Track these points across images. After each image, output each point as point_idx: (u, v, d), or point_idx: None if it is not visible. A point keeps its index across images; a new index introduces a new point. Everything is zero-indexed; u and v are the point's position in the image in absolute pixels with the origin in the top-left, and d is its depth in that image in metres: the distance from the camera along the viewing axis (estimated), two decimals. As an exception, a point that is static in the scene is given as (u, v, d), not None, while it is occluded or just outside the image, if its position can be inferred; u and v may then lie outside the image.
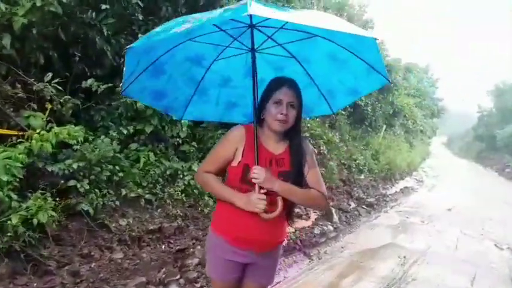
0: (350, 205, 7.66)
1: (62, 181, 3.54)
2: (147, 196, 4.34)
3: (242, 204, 1.77)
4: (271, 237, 1.90)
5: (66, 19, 4.08)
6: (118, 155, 4.25)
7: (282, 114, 1.79)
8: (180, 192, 4.70)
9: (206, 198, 4.90)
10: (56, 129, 3.44)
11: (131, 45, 1.68)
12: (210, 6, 5.12)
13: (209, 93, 2.20)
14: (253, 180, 1.73)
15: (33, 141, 3.28)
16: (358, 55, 1.84)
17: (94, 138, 4.04)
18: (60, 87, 3.85)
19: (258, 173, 1.73)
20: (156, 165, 4.64)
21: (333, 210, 6.54)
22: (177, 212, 4.46)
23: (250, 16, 1.58)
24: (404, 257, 5.08)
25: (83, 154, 3.75)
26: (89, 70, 4.48)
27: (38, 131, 3.39)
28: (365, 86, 2.04)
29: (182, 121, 5.01)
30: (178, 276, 3.44)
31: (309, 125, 8.40)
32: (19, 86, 3.75)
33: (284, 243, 4.45)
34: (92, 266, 3.26)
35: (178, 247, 3.99)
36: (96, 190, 3.77)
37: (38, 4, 3.57)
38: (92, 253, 3.40)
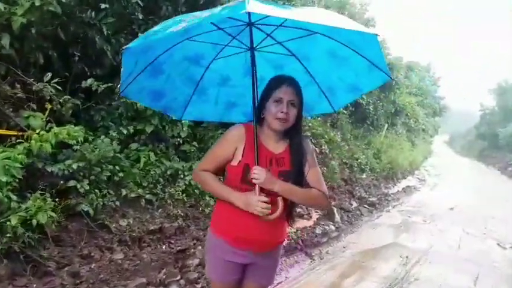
0: (352, 204, 7.62)
1: (62, 181, 3.52)
2: (147, 196, 4.32)
3: (240, 203, 1.75)
4: (271, 237, 1.88)
5: (65, 19, 4.06)
6: (118, 155, 4.23)
7: (282, 112, 1.76)
8: (180, 192, 4.68)
9: (207, 198, 4.88)
10: (56, 129, 3.42)
11: (128, 45, 1.66)
12: (210, 5, 5.09)
13: (208, 93, 2.18)
14: (253, 181, 1.71)
15: (33, 141, 3.26)
16: (359, 52, 1.81)
17: (94, 138, 4.02)
18: (59, 87, 3.83)
19: (258, 174, 1.71)
20: (156, 165, 4.62)
21: (335, 209, 6.52)
22: (178, 212, 4.44)
23: (249, 14, 1.56)
24: (407, 256, 5.06)
25: (83, 154, 3.73)
26: (88, 70, 4.46)
27: (37, 131, 3.38)
28: (366, 83, 2.01)
29: (183, 121, 4.99)
30: (178, 277, 3.42)
31: (310, 124, 8.37)
32: (18, 86, 3.73)
33: (285, 243, 4.46)
34: (92, 266, 3.24)
35: (179, 247, 3.97)
36: (96, 190, 3.75)
37: (37, 4, 3.55)
38: (92, 254, 3.38)
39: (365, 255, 5.00)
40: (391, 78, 1.90)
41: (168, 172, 4.74)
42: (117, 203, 3.95)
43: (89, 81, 4.27)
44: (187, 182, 4.79)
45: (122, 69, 1.72)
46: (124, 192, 4.06)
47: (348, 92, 2.10)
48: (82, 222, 3.58)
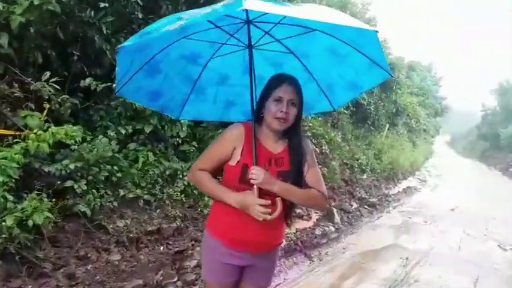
0: (352, 205, 7.59)
1: (59, 182, 3.49)
2: (145, 197, 4.29)
3: (236, 204, 1.72)
4: (268, 238, 1.85)
5: (64, 18, 4.03)
6: (116, 155, 4.19)
7: (282, 112, 1.73)
8: (179, 193, 4.65)
9: (206, 198, 4.84)
10: (53, 129, 3.39)
11: (123, 44, 1.63)
12: (210, 4, 5.06)
13: (206, 92, 2.15)
14: (251, 181, 1.68)
15: (30, 141, 3.23)
16: (358, 49, 1.78)
17: (92, 138, 3.99)
18: (58, 87, 3.79)
19: (256, 174, 1.68)
20: (155, 166, 4.58)
21: (335, 210, 6.48)
22: (176, 213, 4.40)
23: (247, 11, 1.53)
24: (407, 258, 5.02)
25: (81, 154, 3.70)
26: (87, 69, 4.43)
27: (35, 131, 3.35)
28: (366, 80, 1.98)
29: (182, 121, 4.96)
30: (176, 279, 3.39)
31: (310, 124, 8.34)
32: (16, 85, 3.70)
33: (285, 244, 4.43)
34: (88, 268, 3.20)
35: (177, 248, 3.94)
36: (94, 191, 3.71)
37: (36, 3, 3.52)
38: (89, 255, 3.35)
39: (365, 257, 4.97)
40: (391, 75, 1.87)
41: (167, 172, 4.71)
42: (115, 203, 3.92)
43: (88, 80, 4.23)
44: (186, 183, 4.76)
45: (116, 68, 1.68)
46: (122, 192, 4.03)
47: (348, 90, 2.07)
48: (79, 223, 3.54)
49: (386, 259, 4.96)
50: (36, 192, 3.17)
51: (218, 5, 1.49)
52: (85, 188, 3.61)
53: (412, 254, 5.18)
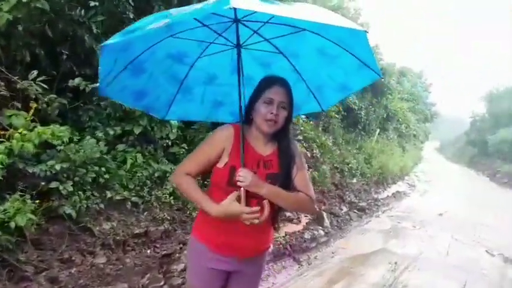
0: (342, 209, 7.58)
1: (44, 183, 3.41)
2: (133, 199, 4.22)
3: (217, 215, 1.67)
4: (256, 242, 1.82)
5: (53, 16, 3.96)
6: (104, 156, 4.13)
7: (272, 113, 1.71)
8: (168, 195, 4.59)
9: (195, 201, 4.78)
10: (39, 128, 3.32)
11: (106, 42, 1.58)
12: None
13: (193, 92, 2.11)
14: (238, 183, 1.65)
15: (14, 140, 3.15)
16: (348, 50, 1.77)
17: (80, 139, 3.91)
18: (46, 86, 3.72)
19: (244, 176, 1.65)
20: (143, 167, 4.52)
21: (324, 214, 6.46)
22: (164, 216, 4.34)
23: (235, 10, 1.50)
24: (396, 263, 5.02)
25: (67, 155, 3.62)
26: (77, 69, 4.36)
27: (20, 130, 3.27)
28: (356, 81, 1.96)
29: (172, 122, 4.90)
30: (162, 283, 3.33)
31: (302, 128, 8.33)
32: (2, 83, 3.61)
33: (273, 249, 4.39)
34: (72, 271, 3.13)
35: (164, 252, 3.87)
36: (80, 192, 3.64)
37: (24, 0, 3.47)
38: (73, 258, 3.27)
39: (354, 261, 4.95)
40: (380, 76, 1.86)
41: (156, 174, 4.65)
42: (102, 205, 3.85)
43: (77, 80, 4.16)
44: (174, 185, 4.70)
45: (99, 68, 1.63)
46: (109, 194, 3.96)
47: (337, 91, 2.05)
48: (64, 225, 3.46)
49: (375, 264, 4.95)
50: (19, 193, 3.10)
51: (199, 5, 1.46)
52: (71, 189, 3.53)
53: (401, 259, 5.18)
